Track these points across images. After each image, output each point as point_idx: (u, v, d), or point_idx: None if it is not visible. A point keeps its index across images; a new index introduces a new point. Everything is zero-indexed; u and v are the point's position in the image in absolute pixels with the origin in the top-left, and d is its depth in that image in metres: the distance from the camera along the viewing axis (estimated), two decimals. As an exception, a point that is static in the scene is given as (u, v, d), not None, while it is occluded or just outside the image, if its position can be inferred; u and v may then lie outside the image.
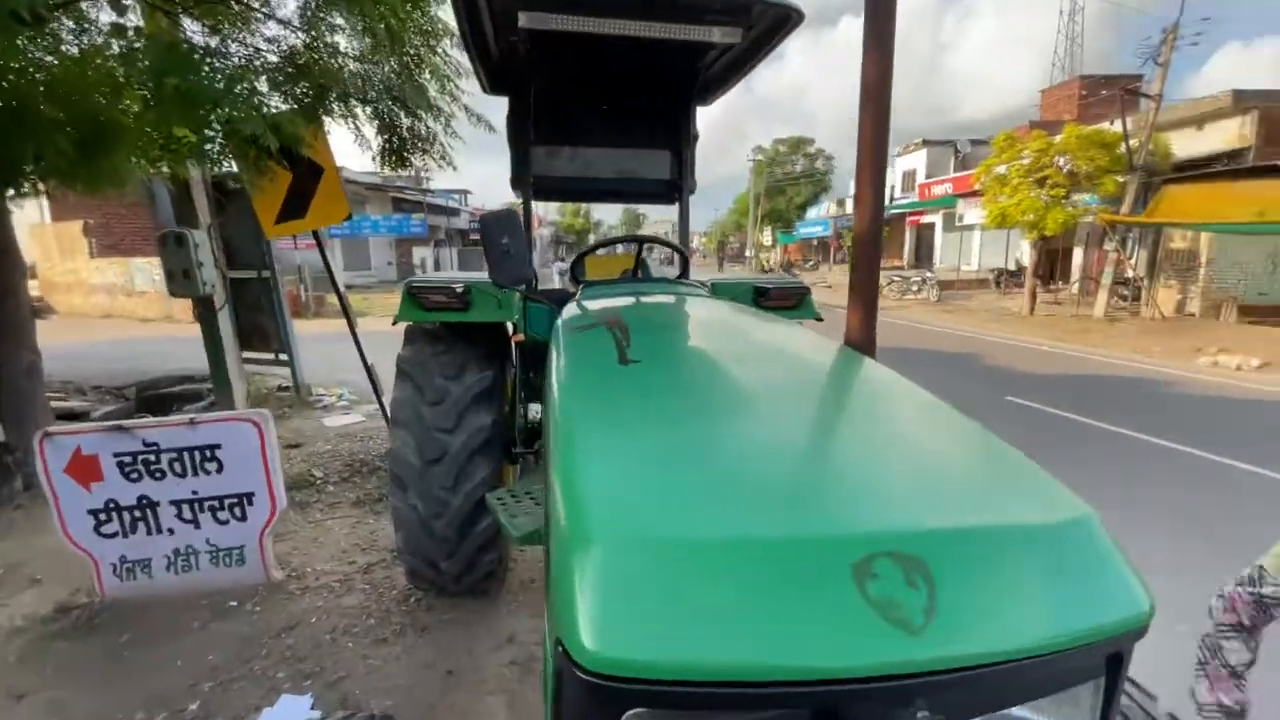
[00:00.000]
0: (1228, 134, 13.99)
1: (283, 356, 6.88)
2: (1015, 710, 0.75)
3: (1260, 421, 6.62)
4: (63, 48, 3.02)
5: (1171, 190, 13.29)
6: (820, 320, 3.07)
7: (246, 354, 6.76)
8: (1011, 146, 15.54)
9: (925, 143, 30.46)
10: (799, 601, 0.68)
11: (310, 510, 3.99)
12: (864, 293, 1.41)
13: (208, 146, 2.80)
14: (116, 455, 2.89)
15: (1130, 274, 15.68)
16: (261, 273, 6.58)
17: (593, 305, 2.00)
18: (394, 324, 2.71)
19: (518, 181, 3.27)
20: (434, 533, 2.60)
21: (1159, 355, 10.52)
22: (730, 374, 1.37)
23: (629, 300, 2.12)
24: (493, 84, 3.17)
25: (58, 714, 2.33)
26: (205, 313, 6.04)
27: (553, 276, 10.67)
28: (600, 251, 3.18)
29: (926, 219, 29.29)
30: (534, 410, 3.18)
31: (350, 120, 3.80)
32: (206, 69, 2.60)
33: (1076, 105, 22.69)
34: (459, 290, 2.60)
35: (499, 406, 2.76)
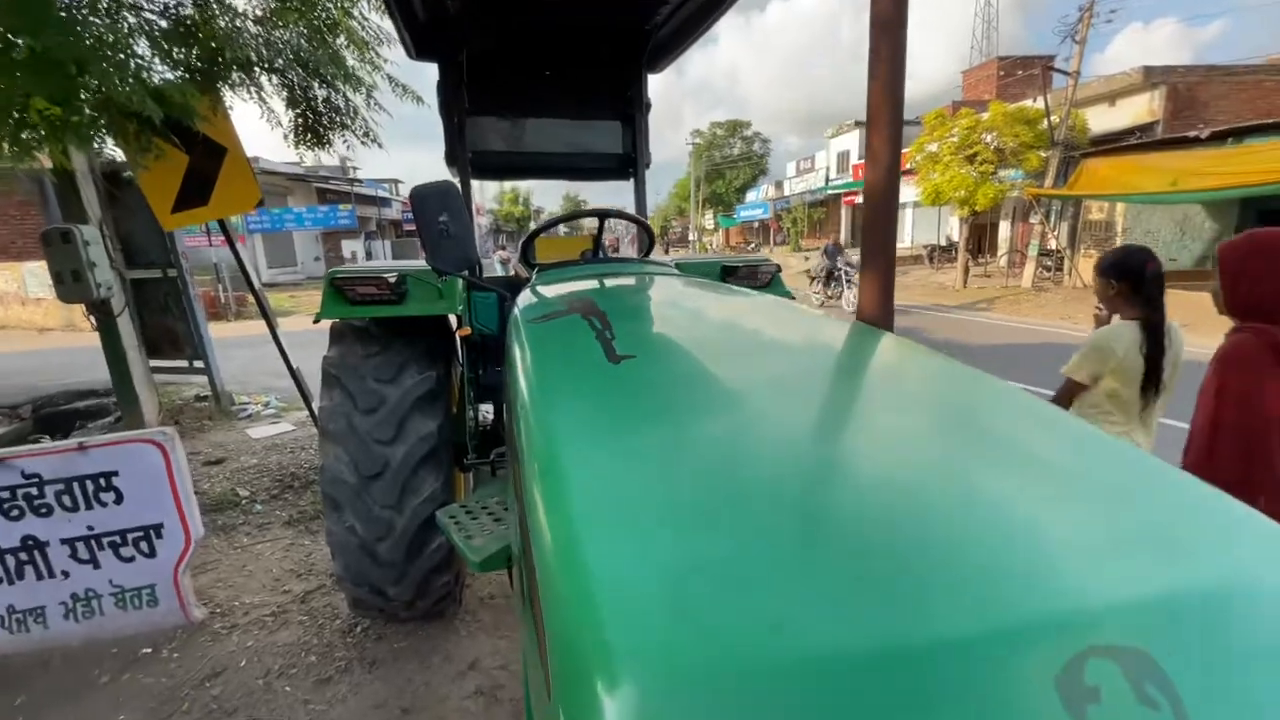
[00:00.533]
0: (1139, 109, 14.78)
1: (198, 363, 6.27)
2: None
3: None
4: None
5: (1089, 164, 13.91)
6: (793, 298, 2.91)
7: (156, 362, 6.12)
8: (942, 125, 15.96)
9: (858, 124, 31.09)
10: None
11: (236, 535, 3.58)
12: (879, 264, 1.20)
13: (74, 119, 2.35)
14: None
15: (1054, 245, 16.45)
16: (167, 271, 5.95)
17: (553, 291, 1.74)
18: (315, 322, 2.37)
19: (452, 157, 2.95)
20: (378, 557, 2.31)
21: (1084, 321, 11.05)
22: (758, 375, 1.03)
23: (595, 283, 1.87)
24: (419, 48, 2.84)
25: (-77, 809, 1.94)
26: (103, 318, 5.40)
27: (494, 268, 10.24)
28: (551, 232, 2.91)
29: (862, 199, 29.96)
30: (485, 411, 2.90)
31: (254, 91, 3.34)
32: (70, 26, 2.16)
33: (995, 85, 23.58)
34: (392, 280, 2.29)
35: (446, 410, 2.48)
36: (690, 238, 41.73)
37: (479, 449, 2.63)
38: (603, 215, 2.20)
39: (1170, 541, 0.59)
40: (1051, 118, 14.54)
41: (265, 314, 4.54)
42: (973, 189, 14.98)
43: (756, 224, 42.57)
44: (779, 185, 37.81)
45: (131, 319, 5.68)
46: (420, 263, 2.25)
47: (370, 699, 2.31)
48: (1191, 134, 11.91)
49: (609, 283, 1.89)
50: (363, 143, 3.94)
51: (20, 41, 1.98)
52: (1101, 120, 15.51)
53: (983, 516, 0.62)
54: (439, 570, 2.45)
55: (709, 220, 46.18)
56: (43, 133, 2.83)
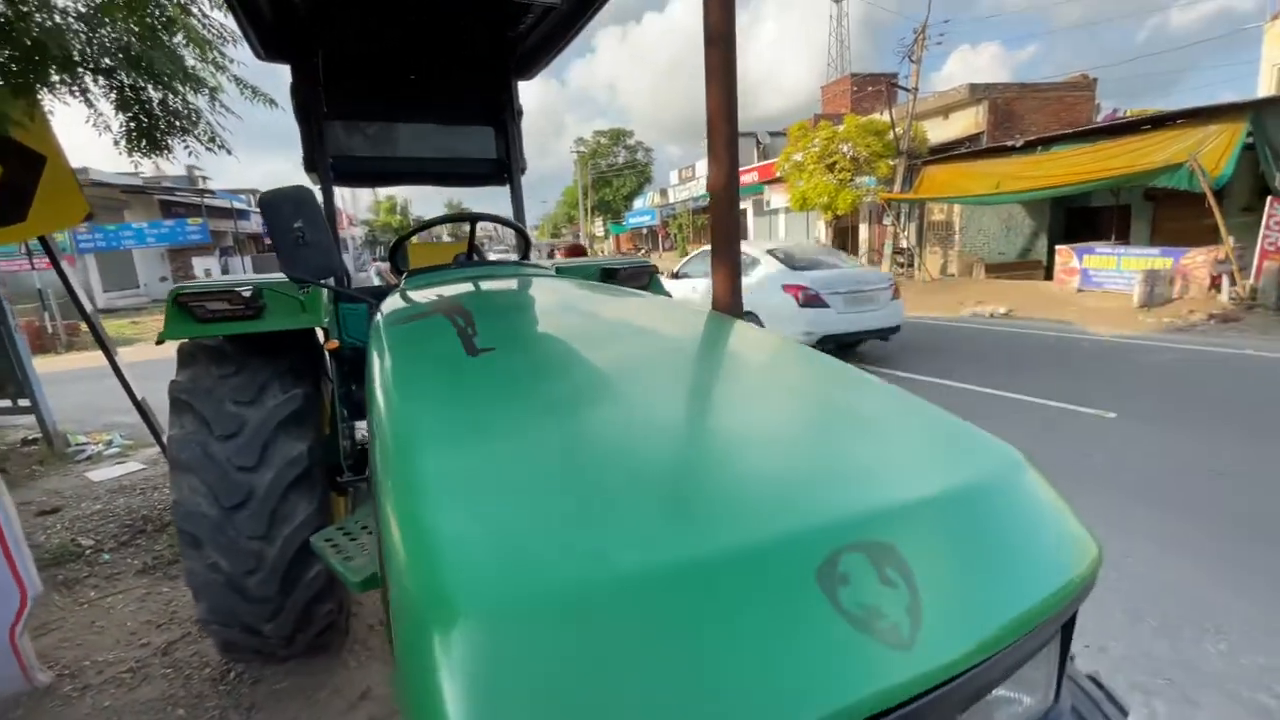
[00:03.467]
0: (967, 121, 16.82)
1: (23, 402, 5.47)
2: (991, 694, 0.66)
3: (1006, 351, 8.13)
4: None
5: (929, 170, 15.62)
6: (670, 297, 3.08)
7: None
8: (804, 136, 17.24)
9: (733, 133, 32.63)
10: (760, 640, 0.51)
11: (81, 589, 3.20)
12: (726, 256, 1.37)
13: None
14: None
15: (905, 244, 18.25)
16: (-27, 299, 5.15)
17: (421, 295, 1.75)
18: (159, 343, 2.20)
19: (311, 164, 2.83)
20: (248, 593, 2.17)
21: (936, 309, 12.37)
22: (605, 357, 1.15)
23: (466, 286, 1.89)
24: (267, 49, 2.71)
25: None
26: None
27: (372, 279, 9.75)
28: (430, 237, 2.88)
29: (740, 205, 31.48)
30: (360, 429, 2.81)
31: (78, 93, 3.00)
32: None
33: (849, 99, 25.74)
34: (246, 294, 2.18)
35: (316, 429, 2.38)
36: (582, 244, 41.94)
37: (355, 468, 2.54)
38: (474, 219, 2.21)
39: (908, 455, 0.78)
40: (896, 129, 16.19)
41: (101, 342, 4.07)
42: (834, 194, 16.31)
43: (645, 230, 43.48)
44: (664, 193, 38.88)
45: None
46: (280, 275, 2.15)
47: (250, 744, 2.17)
48: (1009, 143, 13.74)
49: (480, 285, 1.92)
50: (208, 148, 3.65)
51: None
52: (938, 132, 17.48)
53: (774, 451, 0.79)
54: (319, 599, 2.34)
55: (599, 227, 46.56)
56: None
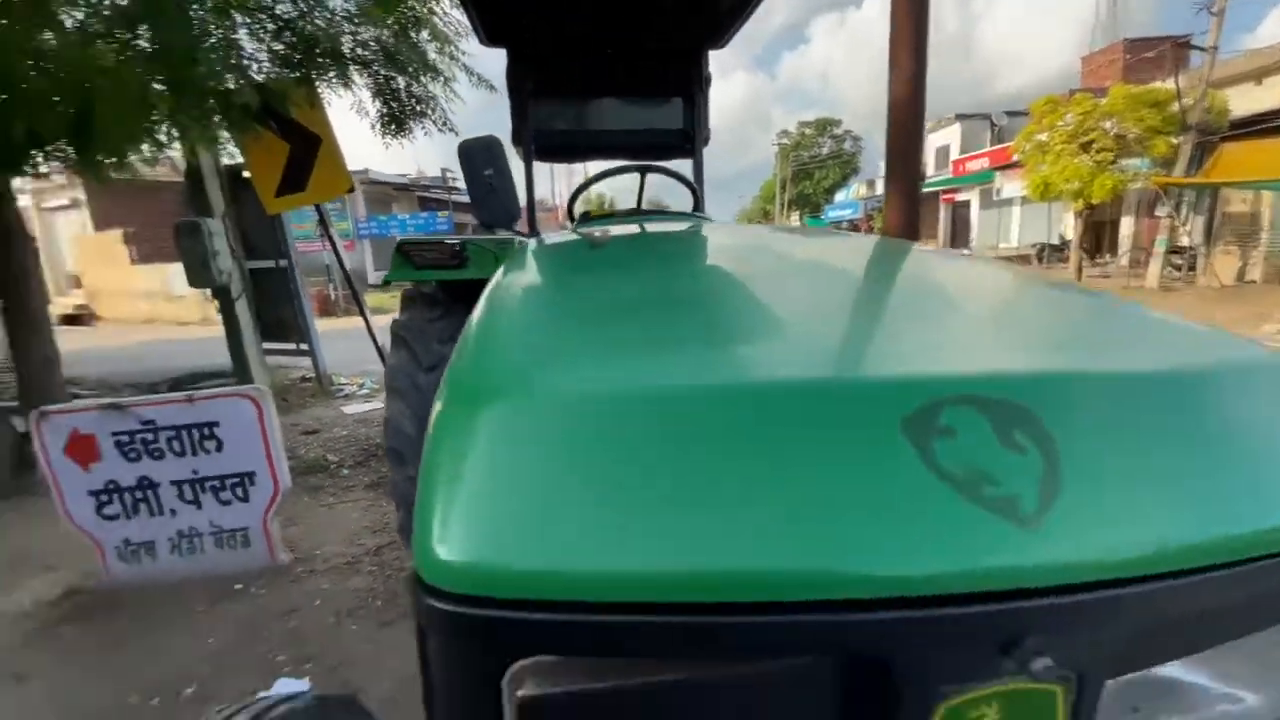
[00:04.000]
0: (1291, 85, 13.03)
1: (303, 346, 6.86)
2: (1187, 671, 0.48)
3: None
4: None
5: (1229, 149, 12.41)
6: None
7: (268, 344, 6.75)
8: (1054, 111, 14.76)
9: (959, 117, 29.32)
10: (811, 479, 0.42)
11: (322, 494, 3.89)
12: (902, 177, 1.18)
13: (189, 108, 2.67)
14: (114, 434, 2.80)
15: (1186, 241, 14.76)
16: (279, 262, 6.56)
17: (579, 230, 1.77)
18: (385, 284, 2.54)
19: (518, 138, 3.08)
20: (435, 508, 2.43)
21: (1223, 324, 9.82)
22: (742, 259, 1.07)
23: (629, 227, 1.89)
24: (490, 35, 2.98)
25: (54, 699, 2.24)
26: (224, 303, 6.04)
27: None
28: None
29: (961, 196, 28.23)
30: None
31: (345, 85, 3.64)
32: (182, 19, 2.46)
33: (1121, 69, 21.50)
34: (454, 246, 2.42)
35: None
36: (775, 241, 41.03)
37: None
38: (645, 170, 2.21)
39: (1103, 340, 0.63)
40: (1184, 100, 13.07)
41: (360, 306, 4.90)
42: (1088, 180, 13.73)
43: (846, 224, 41.12)
44: (870, 184, 36.35)
45: (249, 304, 6.30)
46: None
47: (425, 644, 2.43)
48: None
49: (642, 226, 1.89)
50: (440, 130, 4.19)
51: (142, 30, 2.28)
52: (1244, 101, 13.77)
53: (905, 319, 0.68)
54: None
55: (795, 221, 45.22)
56: (168, 128, 3.22)
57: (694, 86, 3.17)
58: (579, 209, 2.69)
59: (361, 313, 4.80)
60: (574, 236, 1.60)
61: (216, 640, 2.50)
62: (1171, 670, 0.50)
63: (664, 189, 2.92)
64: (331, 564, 3.04)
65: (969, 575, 0.40)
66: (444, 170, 28.75)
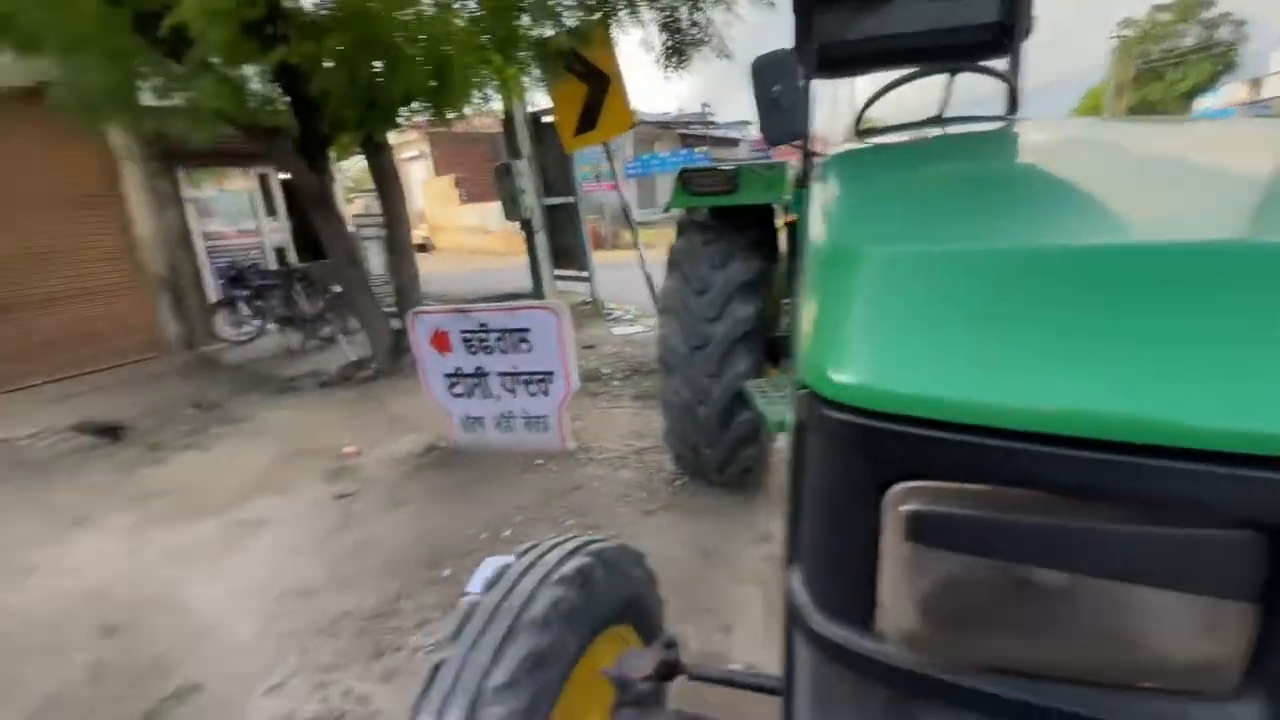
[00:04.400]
0: None
1: (583, 274, 7.79)
2: None
3: None
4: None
5: None
6: None
7: (558, 271, 7.82)
8: None
9: None
10: (1222, 331, 0.39)
11: (598, 400, 4.48)
12: None
13: (520, 53, 3.14)
14: (462, 332, 3.58)
15: None
16: (569, 198, 7.45)
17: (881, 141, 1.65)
18: (666, 210, 2.74)
19: (799, 52, 2.93)
20: (697, 418, 2.64)
21: None
22: (1090, 146, 0.93)
23: (933, 131, 1.70)
24: None
25: (421, 521, 3.06)
26: (527, 234, 7.10)
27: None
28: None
29: None
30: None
31: (638, 22, 3.88)
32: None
33: None
34: (727, 172, 2.49)
35: (763, 299, 2.63)
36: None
37: (790, 347, 2.74)
38: (953, 70, 1.94)
39: None
40: None
41: (635, 239, 5.36)
42: None
43: (1210, 142, 31.10)
44: (1255, 84, 26.75)
45: (546, 236, 7.33)
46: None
47: (681, 537, 2.72)
48: None
49: (954, 129, 1.69)
50: (718, 57, 4.23)
51: None
52: None
53: None
54: (745, 443, 2.69)
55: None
56: (494, 81, 3.82)
57: None
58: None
59: (636, 244, 5.26)
60: (875, 143, 1.51)
61: (524, 499, 3.13)
62: None
63: (964, 97, 2.55)
64: (606, 456, 3.54)
65: None
66: (703, 106, 29.05)
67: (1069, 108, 45.26)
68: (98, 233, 6.69)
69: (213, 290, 7.63)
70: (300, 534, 3.01)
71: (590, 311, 7.44)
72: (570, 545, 1.22)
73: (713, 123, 27.94)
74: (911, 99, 2.38)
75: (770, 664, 1.28)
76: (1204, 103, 30.76)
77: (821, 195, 0.81)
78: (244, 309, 7.25)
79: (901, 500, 0.43)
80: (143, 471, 3.94)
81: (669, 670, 1.09)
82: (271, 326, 7.05)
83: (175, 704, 2.03)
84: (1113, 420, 0.37)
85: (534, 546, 1.22)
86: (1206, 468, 0.36)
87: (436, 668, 0.95)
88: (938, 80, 2.24)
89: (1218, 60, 32.58)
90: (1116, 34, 32.92)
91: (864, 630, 0.49)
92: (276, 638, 2.30)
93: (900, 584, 0.45)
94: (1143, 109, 34.10)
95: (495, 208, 18.93)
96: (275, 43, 3.64)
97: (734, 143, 29.11)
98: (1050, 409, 0.39)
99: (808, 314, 0.54)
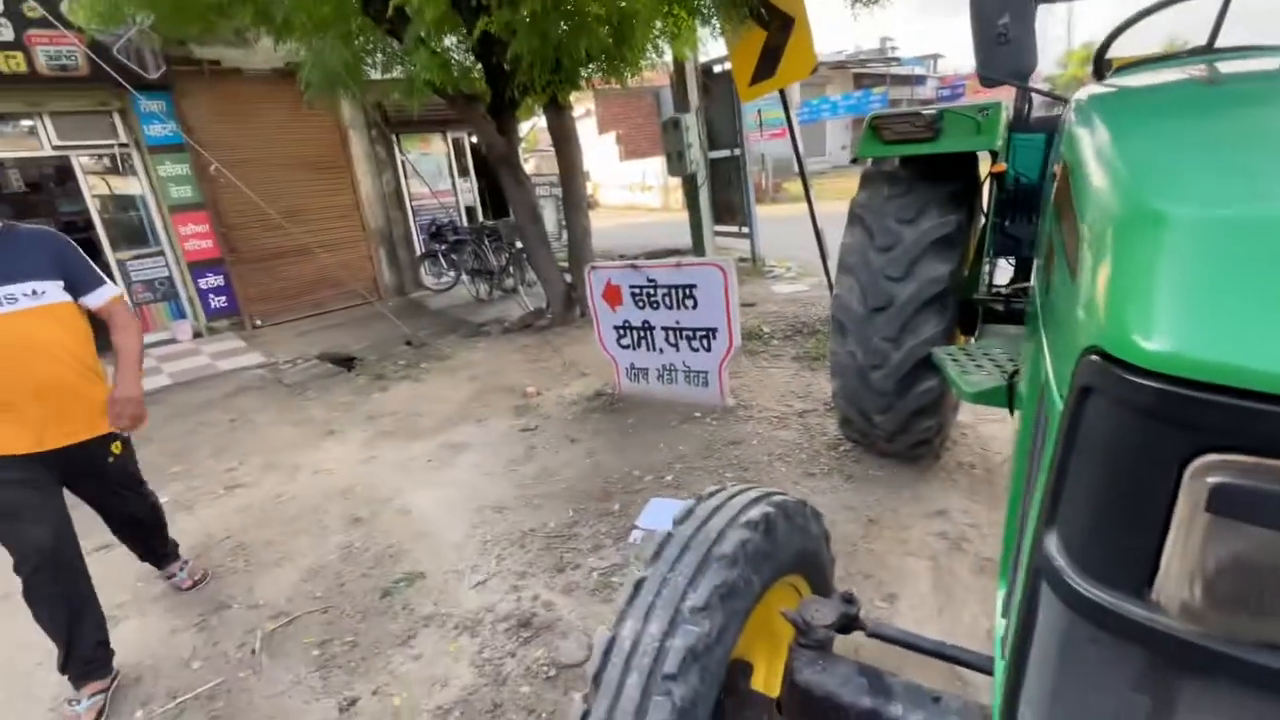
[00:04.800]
0: None
1: (744, 230, 7.66)
2: None
3: None
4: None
5: None
6: None
7: (718, 227, 7.78)
8: None
9: None
10: None
11: (758, 359, 4.47)
12: None
13: (702, 2, 3.12)
14: (631, 286, 3.76)
15: None
16: (734, 151, 7.30)
17: (1139, 80, 1.42)
18: (852, 160, 2.62)
19: None
20: (870, 384, 2.55)
21: None
22: None
23: (1200, 70, 1.44)
24: None
25: (590, 457, 3.34)
26: (690, 190, 7.12)
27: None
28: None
29: None
30: (1005, 270, 2.69)
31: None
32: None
33: None
34: (929, 117, 2.29)
35: (960, 258, 2.42)
36: None
37: (989, 313, 2.51)
38: None
39: None
40: None
41: (807, 194, 5.14)
42: None
43: None
44: None
45: (709, 191, 7.30)
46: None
47: (843, 501, 2.69)
48: None
49: (1230, 64, 1.41)
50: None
51: None
52: None
53: None
54: (924, 413, 2.54)
55: None
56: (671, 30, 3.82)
57: None
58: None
59: (807, 197, 5.05)
60: (1125, 84, 1.32)
61: (685, 448, 3.28)
62: None
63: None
64: (765, 415, 3.56)
65: None
66: (883, 40, 26.44)
67: None
68: (332, 193, 7.89)
69: (419, 244, 8.69)
70: (494, 459, 3.44)
71: (750, 269, 7.34)
72: (753, 494, 1.29)
73: (895, 59, 25.35)
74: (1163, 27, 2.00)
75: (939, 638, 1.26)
76: None
77: (1091, 144, 0.75)
78: (443, 261, 8.19)
79: (1206, 471, 0.43)
80: (373, 395, 4.72)
81: (848, 623, 1.14)
82: (465, 277, 7.89)
83: (405, 585, 2.48)
84: None
85: (719, 490, 1.31)
86: None
87: (639, 583, 1.08)
88: (1201, 4, 1.85)
89: None
90: None
91: (1136, 597, 0.49)
92: (479, 543, 2.69)
93: (1190, 555, 0.45)
94: None
95: (654, 164, 19.21)
96: (477, 14, 3.96)
97: (919, 80, 26.22)
98: None
99: (1101, 277, 0.53)
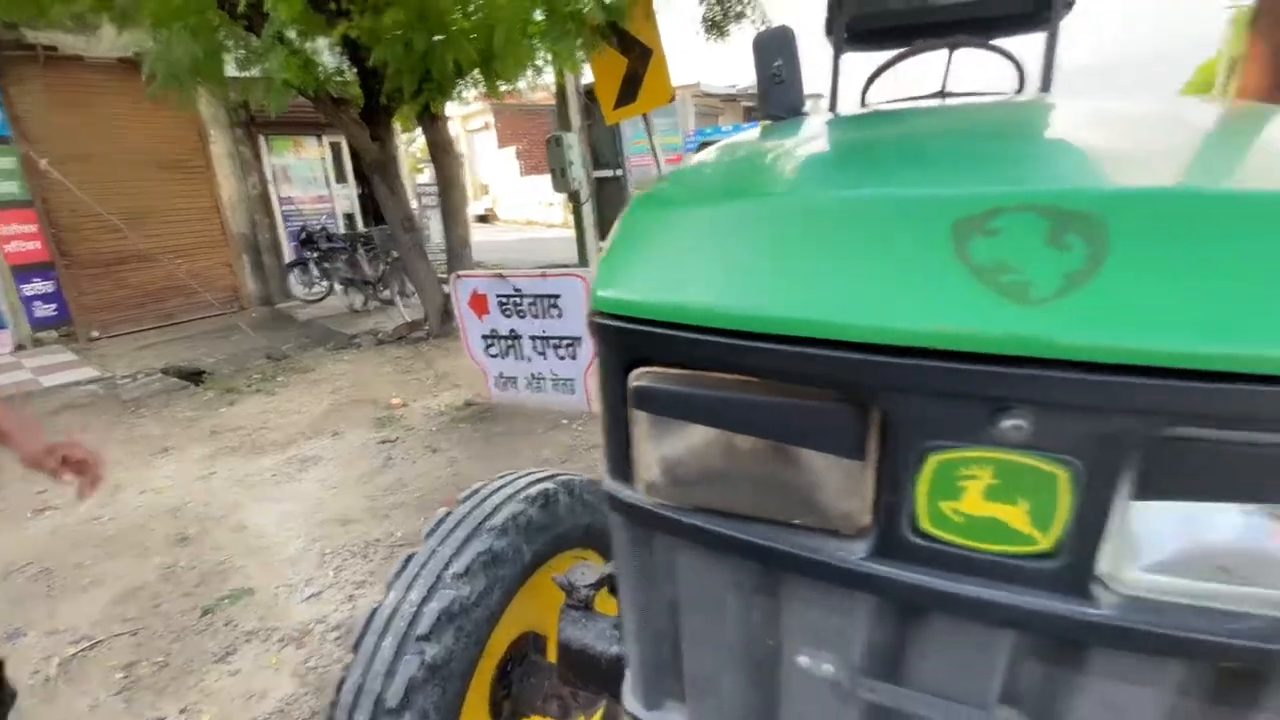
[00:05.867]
0: None
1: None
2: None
3: None
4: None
5: None
6: None
7: (602, 243, 7.98)
8: None
9: None
10: (858, 260, 0.53)
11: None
12: None
13: (553, 27, 3.28)
14: (498, 295, 3.79)
15: None
16: (616, 171, 7.55)
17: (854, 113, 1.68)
18: None
19: (830, 27, 2.92)
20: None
21: None
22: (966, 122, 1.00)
23: (912, 105, 1.73)
24: None
25: (450, 466, 3.32)
26: (575, 206, 7.27)
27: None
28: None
29: None
30: None
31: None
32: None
33: None
34: None
35: None
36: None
37: None
38: (953, 46, 1.93)
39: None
40: None
41: None
42: None
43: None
44: None
45: (592, 208, 7.49)
46: None
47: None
48: None
49: (935, 102, 1.71)
50: (755, 26, 4.21)
51: None
52: None
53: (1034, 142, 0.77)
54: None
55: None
56: (544, 54, 3.95)
57: None
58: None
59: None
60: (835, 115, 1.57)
61: (548, 453, 3.34)
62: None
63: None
64: (628, 420, 3.70)
65: (954, 336, 0.46)
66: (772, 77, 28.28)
67: (1183, 78, 41.22)
68: (188, 194, 7.31)
69: (288, 252, 8.21)
70: (347, 471, 3.33)
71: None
72: (541, 474, 1.38)
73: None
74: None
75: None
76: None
77: (700, 158, 0.93)
78: (314, 270, 7.78)
79: (636, 380, 0.58)
80: (220, 410, 4.39)
81: (611, 582, 1.24)
82: (338, 287, 7.54)
83: (230, 603, 2.35)
84: (771, 319, 0.52)
85: (512, 473, 1.39)
86: (826, 353, 0.51)
87: (408, 558, 1.14)
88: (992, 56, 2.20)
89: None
90: (1231, 4, 29.63)
91: (628, 484, 0.64)
92: (318, 556, 2.60)
93: (641, 444, 0.60)
94: (1265, 84, 30.75)
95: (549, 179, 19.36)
96: (338, 17, 3.89)
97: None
98: (735, 312, 0.54)
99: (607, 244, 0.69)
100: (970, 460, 0.48)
